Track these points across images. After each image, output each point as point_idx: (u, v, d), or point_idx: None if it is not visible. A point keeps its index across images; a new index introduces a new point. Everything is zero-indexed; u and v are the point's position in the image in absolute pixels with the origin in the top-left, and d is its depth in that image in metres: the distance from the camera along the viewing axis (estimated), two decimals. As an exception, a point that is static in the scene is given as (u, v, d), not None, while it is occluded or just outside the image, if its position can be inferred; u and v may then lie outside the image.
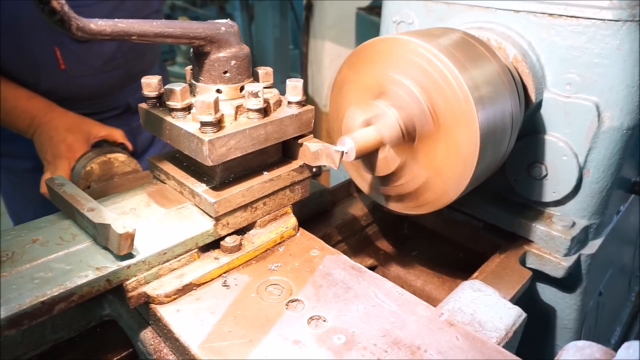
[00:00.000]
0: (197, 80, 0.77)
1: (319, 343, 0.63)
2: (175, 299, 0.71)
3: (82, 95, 1.62)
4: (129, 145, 1.53)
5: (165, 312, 0.68)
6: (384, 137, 0.84)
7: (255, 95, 0.72)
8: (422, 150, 0.84)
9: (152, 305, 0.70)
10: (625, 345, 0.50)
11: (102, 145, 1.44)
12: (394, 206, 0.96)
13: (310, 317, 0.67)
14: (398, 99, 0.84)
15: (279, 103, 0.80)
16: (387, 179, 0.92)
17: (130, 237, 0.65)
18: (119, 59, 1.62)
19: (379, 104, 0.85)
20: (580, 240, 1.03)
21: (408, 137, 0.84)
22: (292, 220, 0.86)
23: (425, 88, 0.80)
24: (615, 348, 0.54)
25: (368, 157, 0.90)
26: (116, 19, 0.61)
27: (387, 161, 0.88)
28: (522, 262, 1.01)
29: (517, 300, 0.90)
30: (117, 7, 1.55)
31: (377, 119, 0.85)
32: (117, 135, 1.51)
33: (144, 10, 1.66)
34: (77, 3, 1.43)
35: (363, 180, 1.00)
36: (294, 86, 0.79)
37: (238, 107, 0.75)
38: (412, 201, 0.91)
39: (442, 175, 0.83)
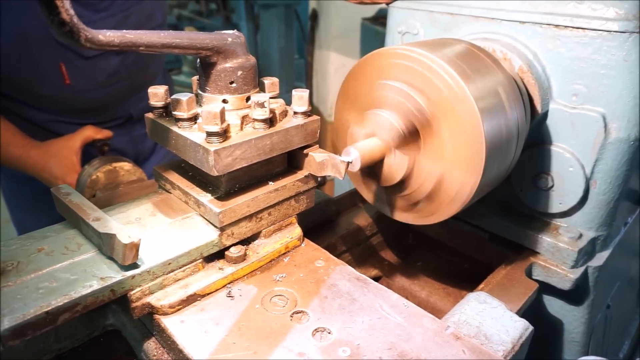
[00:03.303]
0: (204, 90, 0.77)
1: (324, 355, 0.62)
2: (179, 309, 0.70)
3: (85, 107, 1.64)
4: (107, 133, 1.55)
5: (170, 323, 0.68)
6: (386, 141, 0.84)
7: (262, 105, 0.73)
8: (429, 143, 0.83)
9: (156, 316, 0.69)
10: (636, 361, 0.49)
11: (100, 153, 1.47)
12: (400, 216, 0.96)
13: (315, 329, 0.66)
14: (388, 101, 0.85)
15: (284, 113, 0.81)
16: (394, 189, 0.91)
17: (135, 247, 0.65)
18: (123, 73, 1.63)
19: (372, 112, 0.86)
20: (587, 252, 1.02)
21: (409, 134, 0.83)
22: (297, 231, 0.86)
23: (420, 89, 0.81)
24: (625, 363, 0.53)
25: (374, 167, 0.90)
26: (124, 30, 0.62)
27: (393, 170, 0.87)
28: (529, 273, 1.00)
29: (523, 313, 0.89)
30: (120, 23, 1.57)
31: (375, 127, 0.85)
32: (90, 133, 1.54)
33: (148, 24, 1.68)
34: (81, 20, 1.44)
35: (368, 191, 1.00)
36: (299, 96, 0.79)
37: (244, 117, 0.75)
38: (431, 203, 0.89)
39: (456, 163, 0.81)
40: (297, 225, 0.87)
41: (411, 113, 0.82)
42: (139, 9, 1.62)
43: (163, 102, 0.78)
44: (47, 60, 1.47)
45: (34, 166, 1.51)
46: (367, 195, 1.01)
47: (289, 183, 0.82)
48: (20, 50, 1.42)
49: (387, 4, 1.21)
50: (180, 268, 0.72)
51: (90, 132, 1.54)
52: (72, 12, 0.54)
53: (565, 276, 0.98)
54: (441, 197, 0.85)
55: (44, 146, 1.54)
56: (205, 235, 0.75)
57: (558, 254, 0.99)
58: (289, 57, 4.35)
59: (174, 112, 0.74)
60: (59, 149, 1.52)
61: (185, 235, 0.75)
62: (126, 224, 0.76)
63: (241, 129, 0.75)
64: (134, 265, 0.67)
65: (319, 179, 0.85)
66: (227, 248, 0.78)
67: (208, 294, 0.73)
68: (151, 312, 0.70)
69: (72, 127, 1.65)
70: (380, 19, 3.10)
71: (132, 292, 0.67)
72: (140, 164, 1.84)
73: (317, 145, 0.84)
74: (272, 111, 0.76)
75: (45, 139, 1.60)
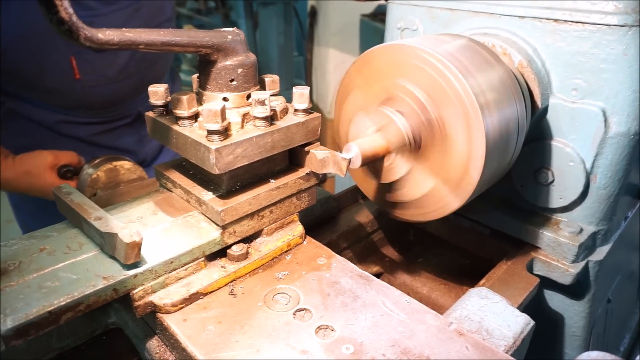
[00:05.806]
0: (204, 88, 0.77)
1: (327, 353, 0.62)
2: (181, 308, 0.70)
3: (94, 103, 1.63)
4: (69, 158, 1.50)
5: (172, 322, 0.68)
6: (390, 144, 0.84)
7: (262, 103, 0.73)
8: (428, 158, 0.84)
9: (159, 315, 0.69)
10: None
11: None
12: (400, 213, 0.96)
13: (318, 327, 0.67)
14: (405, 107, 0.84)
15: (285, 111, 0.81)
16: (392, 186, 0.91)
17: (137, 246, 0.65)
18: (132, 68, 1.62)
19: (386, 111, 0.85)
20: (588, 247, 1.02)
21: (414, 145, 0.84)
22: (298, 228, 0.86)
23: (432, 95, 0.80)
24: (624, 356, 0.53)
25: (374, 164, 0.90)
26: (124, 29, 0.62)
27: (392, 168, 0.88)
28: (530, 269, 1.00)
29: (524, 308, 0.89)
30: (131, 16, 1.57)
31: (385, 126, 0.85)
32: (51, 159, 1.47)
33: (158, 18, 1.67)
34: (93, 13, 1.45)
35: (369, 187, 1.00)
36: (300, 94, 0.79)
37: (245, 115, 0.75)
38: (417, 209, 0.91)
39: (448, 183, 0.83)
40: (299, 222, 0.87)
41: (422, 124, 0.82)
42: (149, 3, 1.61)
43: (163, 101, 0.78)
44: (58, 53, 1.45)
45: (14, 170, 1.46)
46: (368, 191, 1.01)
47: (291, 181, 0.82)
48: (30, 42, 1.40)
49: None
50: (182, 267, 0.72)
51: (50, 159, 1.47)
52: (71, 10, 0.54)
53: (566, 271, 0.99)
54: (433, 202, 0.87)
55: (19, 157, 1.49)
56: (207, 234, 0.75)
57: (559, 248, 1.00)
58: (288, 54, 4.33)
59: (174, 111, 0.74)
60: (36, 164, 1.46)
61: (187, 234, 0.75)
62: (128, 223, 0.76)
63: (242, 126, 0.75)
64: (136, 264, 0.67)
65: (320, 176, 0.85)
66: (229, 246, 0.78)
67: (210, 292, 0.73)
68: (154, 310, 0.70)
69: (81, 128, 1.63)
70: (379, 15, 3.09)
71: (134, 291, 0.67)
72: (149, 164, 1.84)
73: (318, 143, 0.84)
74: (272, 109, 0.75)
75: (54, 142, 1.57)
